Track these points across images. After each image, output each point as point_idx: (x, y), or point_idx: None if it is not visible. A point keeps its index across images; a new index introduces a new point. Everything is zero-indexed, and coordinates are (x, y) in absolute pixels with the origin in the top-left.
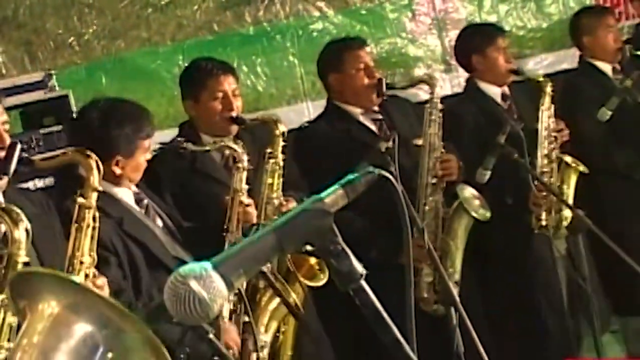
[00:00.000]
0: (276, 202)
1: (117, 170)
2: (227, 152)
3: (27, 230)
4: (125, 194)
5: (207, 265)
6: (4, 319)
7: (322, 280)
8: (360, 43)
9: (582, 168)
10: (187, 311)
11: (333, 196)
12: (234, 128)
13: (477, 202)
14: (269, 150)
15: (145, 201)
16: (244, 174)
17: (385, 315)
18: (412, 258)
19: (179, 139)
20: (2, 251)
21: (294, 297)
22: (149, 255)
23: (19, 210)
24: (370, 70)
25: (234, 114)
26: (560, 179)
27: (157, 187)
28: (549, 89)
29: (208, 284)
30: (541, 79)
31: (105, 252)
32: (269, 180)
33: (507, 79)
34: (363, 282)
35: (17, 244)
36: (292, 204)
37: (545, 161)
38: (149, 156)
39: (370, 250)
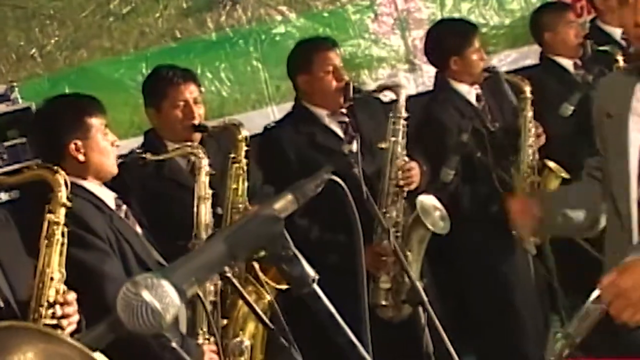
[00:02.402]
0: (241, 206)
1: (80, 157)
2: (192, 157)
3: None
4: (106, 195)
5: (158, 275)
6: None
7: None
8: (330, 44)
9: (564, 174)
10: (141, 322)
11: (282, 202)
12: (197, 135)
13: (437, 213)
14: (232, 155)
15: (124, 207)
16: (207, 179)
17: (338, 318)
18: (369, 265)
19: (137, 150)
20: None
21: (271, 299)
22: (136, 255)
23: None
24: (339, 73)
25: (195, 121)
26: (543, 184)
27: (125, 194)
28: (528, 91)
29: (160, 293)
30: (518, 80)
31: (103, 244)
32: (234, 186)
33: (481, 78)
34: (315, 286)
35: None
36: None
37: (527, 166)
38: (115, 143)
39: (328, 256)
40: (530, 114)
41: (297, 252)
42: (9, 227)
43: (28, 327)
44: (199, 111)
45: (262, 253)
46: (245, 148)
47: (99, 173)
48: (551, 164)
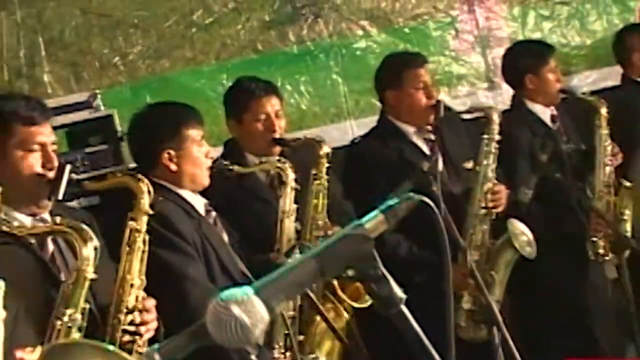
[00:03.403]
0: (321, 222)
1: (172, 166)
2: (272, 171)
3: (95, 248)
4: (197, 201)
5: (248, 290)
6: (68, 335)
7: (368, 301)
8: (421, 61)
9: None
10: (229, 335)
11: (373, 222)
12: (277, 149)
13: (524, 238)
14: (313, 172)
15: (214, 214)
16: (292, 194)
17: (425, 339)
18: (454, 285)
19: (224, 161)
20: None
21: (347, 317)
22: (220, 261)
23: (88, 229)
24: (429, 90)
25: (276, 135)
26: (618, 204)
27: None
28: (604, 111)
29: (250, 309)
30: (593, 99)
31: (189, 247)
32: (314, 201)
33: (557, 99)
34: (403, 307)
35: (86, 261)
36: (337, 228)
37: (605, 187)
38: (210, 154)
39: (414, 275)
40: (605, 132)
41: (385, 271)
42: (94, 231)
43: (88, 343)
44: (280, 124)
45: (351, 272)
46: (326, 164)
47: (192, 183)
48: (627, 183)
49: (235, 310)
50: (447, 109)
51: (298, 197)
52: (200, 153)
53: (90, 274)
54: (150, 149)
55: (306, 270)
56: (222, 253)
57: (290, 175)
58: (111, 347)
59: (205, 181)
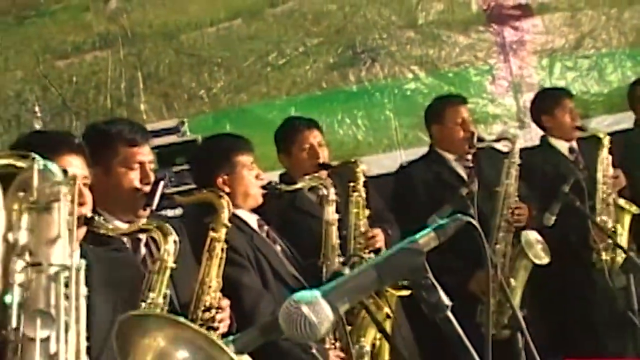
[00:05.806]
0: (363, 228)
1: (227, 189)
2: (320, 192)
3: (175, 242)
4: (250, 218)
5: (317, 293)
6: None
7: (409, 290)
8: (461, 100)
9: (634, 209)
10: (298, 332)
11: (426, 238)
12: (323, 173)
13: (539, 246)
14: (352, 184)
15: (266, 227)
16: (333, 206)
17: (467, 341)
18: (481, 290)
19: (272, 182)
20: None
21: (387, 310)
22: (273, 269)
23: (168, 225)
24: (466, 125)
25: (320, 161)
26: (615, 220)
27: (265, 219)
28: (606, 142)
29: (317, 309)
30: (601, 134)
31: (243, 259)
32: (355, 210)
33: (573, 134)
34: (449, 313)
35: (167, 252)
36: (377, 230)
37: (604, 204)
38: (259, 176)
39: (442, 275)
40: (607, 159)
41: (434, 281)
42: (183, 238)
43: (158, 315)
44: (323, 152)
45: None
46: (362, 179)
47: (245, 203)
48: (621, 201)
49: (305, 309)
50: (480, 139)
51: (344, 211)
52: (251, 176)
53: (170, 263)
54: (208, 175)
55: (367, 278)
56: (274, 261)
57: (331, 190)
58: (181, 319)
59: (258, 200)
